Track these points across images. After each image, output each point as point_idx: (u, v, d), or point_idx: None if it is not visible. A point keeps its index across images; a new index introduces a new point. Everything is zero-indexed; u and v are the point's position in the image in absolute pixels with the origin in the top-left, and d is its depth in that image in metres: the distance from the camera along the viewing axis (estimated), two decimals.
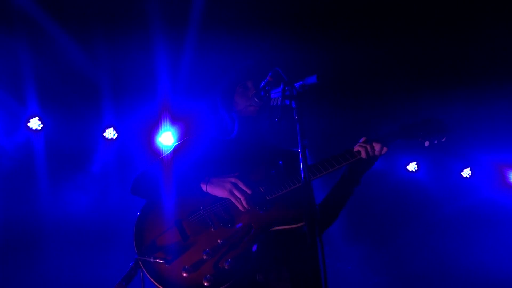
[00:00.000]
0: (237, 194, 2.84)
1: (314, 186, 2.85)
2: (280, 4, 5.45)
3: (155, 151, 6.30)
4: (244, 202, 2.83)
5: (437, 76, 6.33)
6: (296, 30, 5.65)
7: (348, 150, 3.05)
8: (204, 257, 2.71)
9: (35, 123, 5.95)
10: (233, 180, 2.87)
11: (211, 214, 2.87)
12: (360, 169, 3.11)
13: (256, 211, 2.86)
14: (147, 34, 5.51)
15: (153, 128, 6.30)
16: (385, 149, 3.03)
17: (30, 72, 5.60)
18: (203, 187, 2.90)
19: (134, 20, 5.43)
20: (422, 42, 5.93)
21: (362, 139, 3.06)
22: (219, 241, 2.77)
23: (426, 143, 3.07)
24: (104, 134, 6.30)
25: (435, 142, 3.08)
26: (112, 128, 6.32)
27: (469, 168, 7.63)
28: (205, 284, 2.63)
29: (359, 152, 3.02)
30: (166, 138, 6.32)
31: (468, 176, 7.64)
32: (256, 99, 2.83)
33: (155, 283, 2.72)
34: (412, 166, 7.60)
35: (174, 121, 6.26)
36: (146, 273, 2.74)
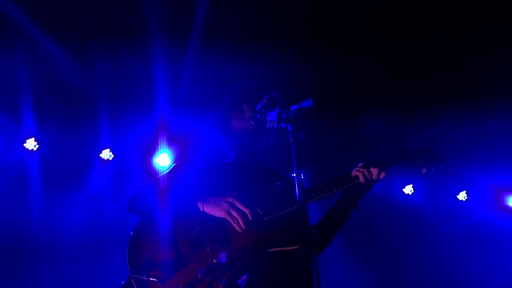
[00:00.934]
0: (234, 214, 2.84)
1: (311, 208, 2.89)
2: (280, 20, 5.53)
3: (152, 172, 6.32)
4: (241, 222, 2.83)
5: (434, 97, 6.37)
6: (295, 45, 5.70)
7: (346, 174, 3.08)
8: (199, 276, 2.70)
9: (31, 144, 5.97)
10: (230, 199, 2.87)
11: (207, 233, 2.86)
12: (357, 193, 3.15)
13: (253, 231, 2.86)
14: (145, 52, 5.52)
15: (150, 149, 6.31)
16: (383, 174, 3.07)
17: (27, 90, 5.60)
18: (200, 206, 2.90)
19: (133, 37, 5.43)
20: (419, 62, 5.99)
21: (360, 164, 3.10)
22: (214, 261, 2.76)
23: (424, 171, 3.11)
24: (101, 155, 6.32)
25: (432, 169, 3.12)
26: (108, 149, 6.33)
27: (465, 191, 7.67)
28: None
29: (357, 176, 3.05)
30: (163, 159, 6.34)
31: (464, 199, 7.68)
32: (252, 122, 2.86)
33: None
34: (408, 189, 7.62)
35: (171, 143, 6.28)
36: None
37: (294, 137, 2.52)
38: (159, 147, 6.27)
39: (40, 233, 6.01)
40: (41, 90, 5.72)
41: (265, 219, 2.90)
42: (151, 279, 2.70)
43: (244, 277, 2.75)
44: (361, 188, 3.12)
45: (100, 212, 6.31)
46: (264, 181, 3.16)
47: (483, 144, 6.62)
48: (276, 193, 3.06)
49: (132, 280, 2.73)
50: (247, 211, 2.86)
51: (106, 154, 6.32)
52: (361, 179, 3.03)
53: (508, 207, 7.49)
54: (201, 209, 2.91)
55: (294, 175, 2.41)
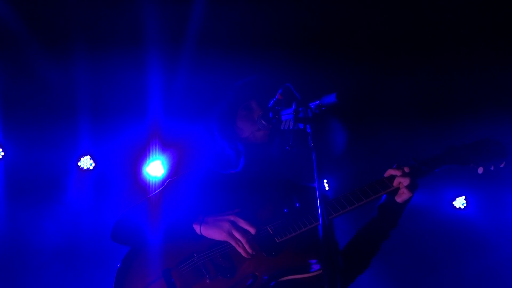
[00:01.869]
0: (238, 235, 2.80)
1: (335, 225, 2.82)
2: (279, 26, 5.88)
3: (141, 184, 6.36)
4: (246, 246, 2.78)
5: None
6: (296, 53, 5.98)
7: (378, 179, 2.99)
8: None
9: None
10: (232, 218, 2.84)
11: (207, 262, 2.83)
12: (394, 207, 3.03)
13: (262, 256, 2.81)
14: (133, 54, 5.74)
15: (139, 157, 6.35)
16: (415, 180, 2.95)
17: None
18: (197, 228, 2.88)
19: (120, 40, 5.71)
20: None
21: (394, 167, 3.00)
22: None
23: (480, 170, 3.01)
24: (79, 164, 6.35)
25: (491, 168, 3.01)
26: (88, 157, 6.35)
27: None
28: None
29: (391, 181, 2.97)
30: (155, 168, 6.36)
31: None
32: (263, 122, 2.79)
33: None
34: (459, 202, 7.62)
35: (164, 148, 6.31)
36: None
37: (315, 140, 2.46)
38: (151, 154, 6.30)
39: (4, 251, 6.11)
40: (11, 92, 5.87)
41: (277, 240, 2.84)
42: None
43: None
44: (398, 200, 3.01)
45: (77, 229, 6.35)
46: (277, 194, 3.13)
47: None
48: (292, 209, 3.00)
49: None
50: (253, 231, 2.81)
51: (86, 163, 6.36)
52: (396, 184, 2.94)
53: None
54: (198, 232, 2.88)
55: (316, 183, 2.36)
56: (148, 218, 3.00)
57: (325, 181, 7.40)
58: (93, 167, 6.40)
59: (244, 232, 2.82)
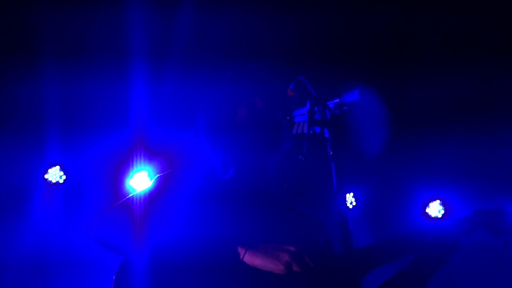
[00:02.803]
0: (299, 269, 2.72)
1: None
2: (268, 34, 6.20)
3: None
4: (308, 281, 2.74)
5: None
6: (286, 62, 6.05)
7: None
8: None
9: None
10: (292, 248, 2.76)
11: None
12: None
13: None
14: (112, 57, 6.00)
15: (121, 168, 6.44)
16: None
17: None
18: (241, 252, 2.79)
19: (97, 43, 6.02)
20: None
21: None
22: None
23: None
24: (46, 176, 6.39)
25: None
26: (58, 167, 6.40)
27: None
28: None
29: None
30: (140, 180, 6.45)
31: None
32: None
33: None
34: None
35: (151, 158, 6.38)
36: None
37: (335, 147, 2.41)
38: (135, 165, 6.39)
39: None
40: None
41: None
42: None
43: None
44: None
45: (44, 250, 6.39)
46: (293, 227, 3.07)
47: None
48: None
49: None
50: (316, 268, 2.73)
51: (55, 175, 6.38)
52: None
53: None
54: (241, 257, 2.80)
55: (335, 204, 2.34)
56: (141, 224, 2.91)
57: (351, 194, 7.57)
58: (64, 180, 6.43)
59: (306, 267, 2.74)
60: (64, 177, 6.45)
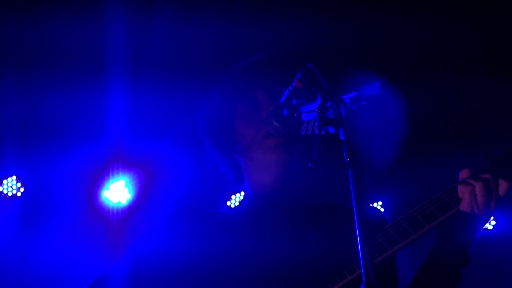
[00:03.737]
0: None
1: None
2: (249, 44, 5.99)
3: (100, 212, 6.42)
4: None
5: None
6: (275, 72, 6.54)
7: (449, 190, 2.66)
8: None
9: None
10: None
11: None
12: (465, 230, 2.72)
13: None
14: (83, 68, 6.03)
15: (96, 179, 6.42)
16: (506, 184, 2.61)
17: None
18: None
19: (68, 54, 6.01)
20: None
21: (465, 174, 2.67)
22: None
23: None
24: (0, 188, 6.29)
25: None
26: (14, 177, 6.30)
27: None
28: None
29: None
30: (116, 191, 6.44)
31: None
32: (275, 123, 2.44)
33: None
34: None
35: (128, 168, 6.41)
36: None
37: (350, 150, 2.09)
38: (111, 175, 6.36)
39: None
40: None
41: None
42: None
43: None
44: (471, 219, 2.67)
45: None
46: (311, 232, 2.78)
47: None
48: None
49: None
50: None
51: (10, 187, 6.30)
52: (468, 202, 2.59)
53: None
54: None
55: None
56: None
57: (379, 203, 7.55)
58: (22, 192, 6.35)
59: None
60: (22, 189, 6.37)
